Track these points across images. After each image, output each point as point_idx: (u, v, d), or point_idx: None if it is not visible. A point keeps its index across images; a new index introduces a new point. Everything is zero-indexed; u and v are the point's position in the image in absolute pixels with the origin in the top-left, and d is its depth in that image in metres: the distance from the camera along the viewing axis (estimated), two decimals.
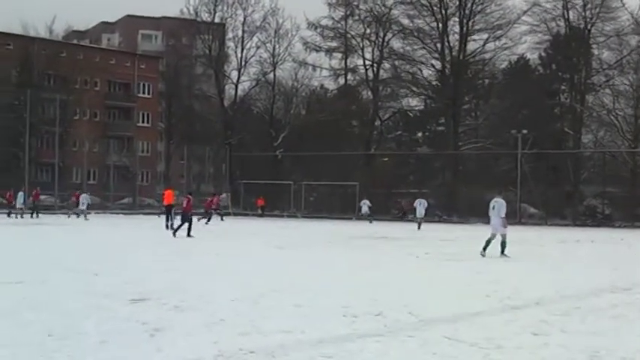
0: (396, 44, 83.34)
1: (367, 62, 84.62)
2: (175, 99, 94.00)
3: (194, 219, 35.53)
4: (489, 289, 14.47)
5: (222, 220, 51.94)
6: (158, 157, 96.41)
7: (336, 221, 57.43)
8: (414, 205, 52.18)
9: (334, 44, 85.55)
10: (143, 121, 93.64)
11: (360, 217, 54.16)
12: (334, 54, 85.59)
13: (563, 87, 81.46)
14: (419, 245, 30.73)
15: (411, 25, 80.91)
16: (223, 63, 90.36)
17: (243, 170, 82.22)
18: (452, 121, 79.02)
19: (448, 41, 79.66)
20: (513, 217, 61.66)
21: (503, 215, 24.73)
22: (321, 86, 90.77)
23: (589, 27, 76.94)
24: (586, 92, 77.89)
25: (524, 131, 65.63)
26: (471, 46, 80.00)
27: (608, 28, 75.97)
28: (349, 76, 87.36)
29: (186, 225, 33.75)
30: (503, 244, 24.28)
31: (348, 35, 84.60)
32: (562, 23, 78.69)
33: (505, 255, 24.08)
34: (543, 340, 9.29)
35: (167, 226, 38.93)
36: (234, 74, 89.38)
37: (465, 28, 78.90)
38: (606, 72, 77.38)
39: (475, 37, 79.81)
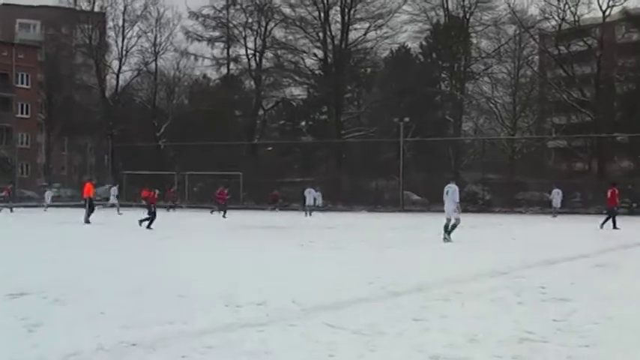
0: (279, 33, 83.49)
1: (250, 52, 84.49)
2: (55, 89, 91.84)
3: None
4: (372, 276, 14.54)
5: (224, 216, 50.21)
6: (38, 149, 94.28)
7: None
8: (304, 194, 52.46)
9: (216, 34, 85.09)
10: (22, 112, 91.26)
11: (307, 209, 53.06)
12: (216, 43, 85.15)
13: (443, 75, 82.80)
14: (304, 234, 30.82)
15: (292, 14, 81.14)
16: (104, 53, 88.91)
17: (126, 161, 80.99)
18: (334, 110, 79.52)
19: (330, 30, 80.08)
20: (396, 205, 62.52)
21: (457, 200, 25.64)
22: (204, 76, 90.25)
23: (468, 16, 78.34)
24: (466, 80, 79.32)
25: (406, 119, 66.36)
26: (353, 35, 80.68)
27: (486, 18, 77.61)
28: (232, 66, 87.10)
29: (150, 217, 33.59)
30: (450, 227, 25.20)
31: (230, 25, 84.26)
32: (441, 12, 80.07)
33: (448, 239, 24.98)
34: (424, 325, 9.38)
35: (86, 220, 38.00)
36: (115, 64, 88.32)
37: (346, 17, 79.42)
38: (485, 60, 78.97)
39: (357, 26, 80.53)
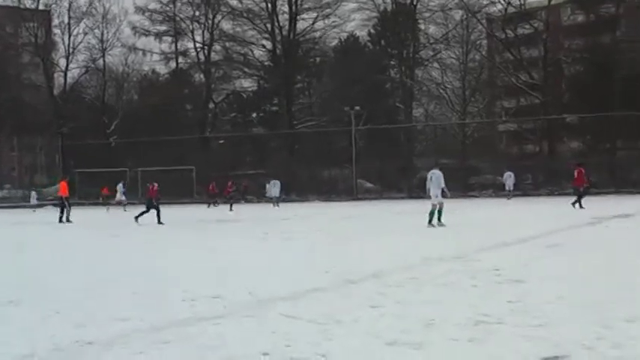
0: (226, 26, 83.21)
1: (198, 45, 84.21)
2: (3, 89, 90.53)
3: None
4: (327, 265, 14.59)
5: (230, 210, 49.69)
6: None
7: (174, 206, 56.77)
8: (267, 186, 52.68)
9: (163, 28, 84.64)
10: None
11: (270, 200, 53.22)
12: (164, 38, 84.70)
13: (392, 62, 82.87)
14: (259, 225, 30.85)
15: (240, 5, 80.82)
16: (50, 51, 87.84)
17: (77, 159, 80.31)
18: (285, 100, 79.47)
19: (278, 21, 79.98)
20: (350, 193, 62.64)
21: (444, 185, 26.12)
22: (153, 71, 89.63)
23: (415, 2, 78.46)
24: (415, 67, 79.57)
25: (357, 108, 66.52)
26: (301, 25, 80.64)
27: (433, 3, 77.75)
28: (180, 60, 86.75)
29: (152, 212, 34.14)
30: (431, 214, 25.61)
31: (177, 18, 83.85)
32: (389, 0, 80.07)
33: (432, 225, 25.38)
34: (380, 311, 9.42)
35: (60, 219, 37.58)
36: (63, 62, 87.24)
37: (293, 8, 79.32)
38: (433, 46, 79.26)
39: (304, 16, 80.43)
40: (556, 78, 75.56)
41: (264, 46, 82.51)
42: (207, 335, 8.34)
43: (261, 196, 63.29)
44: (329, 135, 77.11)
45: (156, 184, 36.17)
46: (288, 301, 10.48)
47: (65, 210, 38.28)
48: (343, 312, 9.40)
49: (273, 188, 53.24)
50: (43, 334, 8.71)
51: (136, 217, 34.08)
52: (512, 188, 53.69)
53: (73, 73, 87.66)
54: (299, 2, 79.35)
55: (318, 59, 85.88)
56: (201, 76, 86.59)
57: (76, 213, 43.21)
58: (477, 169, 69.45)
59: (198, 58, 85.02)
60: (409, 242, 20.77)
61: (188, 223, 34.50)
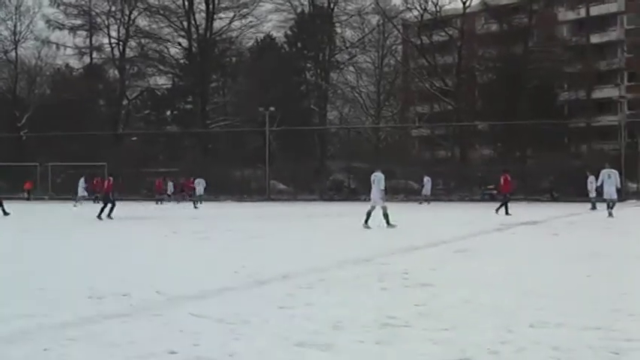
0: (142, 22, 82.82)
1: (113, 41, 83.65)
2: None
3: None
4: (237, 266, 14.55)
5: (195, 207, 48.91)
6: None
7: (86, 201, 55.94)
8: (194, 184, 52.76)
9: (78, 22, 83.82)
10: None
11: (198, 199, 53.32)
12: (79, 32, 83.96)
13: (308, 65, 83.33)
14: (167, 224, 30.67)
15: (156, 2, 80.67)
16: None
17: None
18: (200, 99, 79.27)
19: (194, 19, 79.77)
20: (263, 194, 62.57)
21: (383, 188, 26.24)
22: (66, 65, 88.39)
23: (332, 6, 78.99)
24: (330, 70, 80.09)
25: (272, 109, 66.55)
26: (218, 24, 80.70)
27: (350, 8, 78.56)
28: (95, 55, 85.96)
29: (109, 206, 34.20)
30: (385, 216, 25.65)
31: (93, 13, 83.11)
32: (306, 2, 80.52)
33: (392, 225, 25.38)
34: (289, 313, 9.44)
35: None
36: None
37: (211, 6, 79.27)
38: (349, 50, 79.94)
39: (221, 15, 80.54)
40: (469, 85, 76.76)
41: (180, 44, 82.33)
42: (114, 333, 8.25)
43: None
44: (243, 135, 77.07)
45: (111, 178, 36.40)
46: (196, 300, 10.43)
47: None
48: (252, 312, 9.38)
49: (198, 187, 53.31)
50: None
51: (98, 216, 33.88)
52: (429, 193, 54.26)
53: None
54: (216, 1, 79.20)
55: (234, 59, 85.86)
56: (116, 72, 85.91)
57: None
58: (390, 173, 69.88)
59: (113, 54, 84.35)
60: (320, 244, 20.87)
61: (97, 220, 34.03)
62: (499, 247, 20.04)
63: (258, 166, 68.01)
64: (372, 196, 26.65)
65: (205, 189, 54.54)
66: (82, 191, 54.17)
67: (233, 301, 10.44)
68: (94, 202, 53.44)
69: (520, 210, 38.54)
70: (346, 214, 38.63)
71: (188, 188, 54.57)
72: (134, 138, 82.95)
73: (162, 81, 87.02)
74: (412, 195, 60.09)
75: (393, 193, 63.35)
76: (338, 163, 73.64)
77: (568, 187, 55.81)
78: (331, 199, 62.23)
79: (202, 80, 78.91)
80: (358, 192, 65.54)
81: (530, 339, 7.78)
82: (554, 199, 55.53)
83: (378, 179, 26.51)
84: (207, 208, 48.73)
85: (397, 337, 8.00)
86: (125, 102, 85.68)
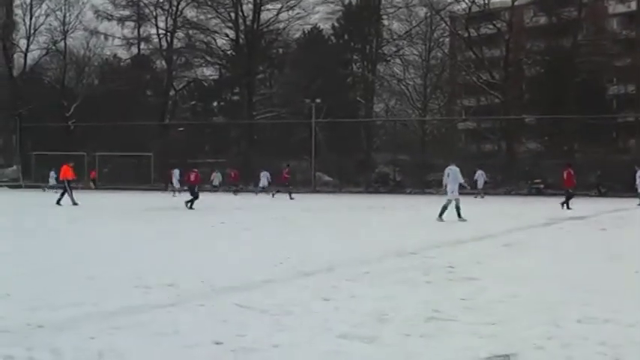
0: (190, 13, 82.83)
1: (161, 31, 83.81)
2: None
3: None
4: (283, 257, 14.57)
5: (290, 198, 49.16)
6: None
7: (132, 192, 56.46)
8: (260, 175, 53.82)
9: (127, 13, 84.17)
10: None
11: (261, 191, 54.46)
12: (127, 23, 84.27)
13: (355, 57, 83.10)
14: (215, 214, 30.77)
15: None
16: (11, 31, 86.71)
17: (34, 141, 79.54)
18: (246, 90, 79.31)
19: (242, 10, 79.73)
20: (308, 186, 62.64)
21: (462, 181, 26.59)
22: (114, 55, 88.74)
23: None
24: (377, 62, 79.81)
25: (318, 100, 66.58)
26: (265, 16, 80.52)
27: (398, 0, 77.85)
28: (142, 46, 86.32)
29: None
30: (458, 209, 25.78)
31: (141, 4, 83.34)
32: None
33: (463, 219, 25.53)
34: (333, 304, 9.43)
35: (58, 202, 36.59)
36: (23, 43, 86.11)
37: None
38: (396, 42, 79.46)
39: (269, 6, 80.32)
40: (516, 78, 76.15)
41: (227, 35, 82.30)
42: (160, 323, 8.30)
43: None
44: (289, 126, 77.19)
45: (196, 170, 37.54)
46: (241, 291, 10.46)
47: (67, 192, 37.50)
48: (296, 304, 9.39)
49: (263, 179, 54.22)
50: None
51: (187, 203, 34.66)
52: (482, 187, 53.93)
53: (34, 54, 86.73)
54: None
55: (280, 50, 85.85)
56: (163, 62, 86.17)
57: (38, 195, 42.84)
58: (435, 166, 69.63)
59: (161, 45, 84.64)
60: (364, 236, 20.86)
61: (145, 211, 34.27)
62: (546, 241, 19.88)
63: (304, 157, 68.06)
64: (448, 189, 26.54)
65: (269, 181, 55.02)
66: (176, 183, 54.77)
67: (277, 293, 10.45)
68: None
69: None
70: (391, 206, 38.58)
71: (284, 179, 53.99)
72: (181, 129, 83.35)
73: (209, 72, 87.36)
74: (459, 189, 59.91)
75: (438, 186, 63.28)
76: (383, 155, 73.50)
77: (615, 182, 55.19)
78: (376, 192, 62.16)
79: (249, 71, 78.98)
80: (403, 184, 65.46)
81: (576, 334, 7.72)
82: (601, 194, 54.91)
83: (453, 173, 26.52)
84: (252, 198, 48.86)
85: (442, 330, 7.97)
86: (172, 93, 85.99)
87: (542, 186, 59.63)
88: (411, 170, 69.16)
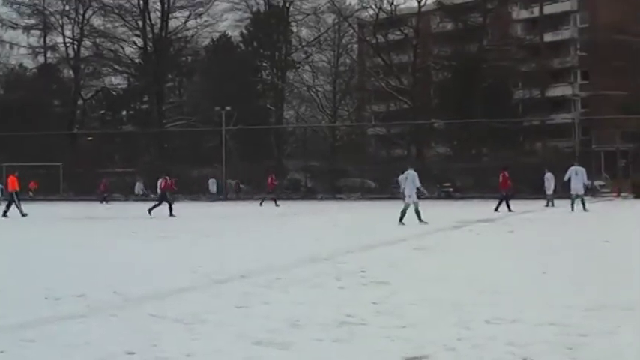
0: (97, 21, 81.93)
1: (67, 40, 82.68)
2: None
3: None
4: (195, 265, 14.55)
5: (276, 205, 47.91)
6: None
7: (41, 202, 55.48)
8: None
9: (32, 21, 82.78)
10: None
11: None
12: (32, 31, 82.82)
13: (264, 64, 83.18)
14: (127, 224, 30.52)
15: (111, 1, 79.60)
16: None
17: None
18: (155, 98, 78.77)
19: (149, 18, 79.15)
20: (220, 193, 62.45)
21: (419, 185, 26.69)
22: (20, 65, 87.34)
23: (288, 5, 78.94)
24: (286, 69, 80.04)
25: (228, 108, 66.41)
26: (173, 24, 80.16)
27: (306, 7, 78.43)
28: (49, 55, 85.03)
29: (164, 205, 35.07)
30: (417, 212, 26.02)
31: (47, 12, 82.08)
32: (262, 1, 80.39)
33: (423, 222, 25.83)
34: (246, 312, 9.45)
35: (4, 213, 35.97)
36: None
37: (166, 5, 78.72)
38: (305, 49, 79.84)
39: (177, 14, 79.97)
40: (425, 84, 77.11)
41: (135, 44, 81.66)
42: (72, 334, 8.23)
43: (129, 195, 62.60)
44: (199, 134, 76.84)
45: (168, 179, 37.49)
46: (154, 300, 10.42)
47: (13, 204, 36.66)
48: (210, 312, 9.39)
49: (212, 186, 54.17)
50: None
51: (150, 211, 34.60)
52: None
53: None
54: (171, 0, 78.74)
55: (189, 58, 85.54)
56: (70, 71, 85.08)
57: None
58: (346, 171, 70.02)
59: (68, 54, 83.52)
60: (277, 243, 20.90)
61: (55, 220, 33.81)
62: (456, 244, 20.18)
63: (215, 165, 67.79)
64: (406, 193, 26.67)
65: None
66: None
67: (191, 301, 10.43)
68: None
69: (475, 207, 38.83)
70: (302, 212, 38.69)
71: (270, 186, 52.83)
72: (90, 138, 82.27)
73: (117, 80, 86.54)
74: (368, 194, 60.42)
75: (349, 191, 63.67)
76: (295, 162, 73.62)
77: (523, 185, 56.03)
78: (288, 198, 62.21)
79: (158, 80, 78.45)
80: (315, 191, 65.64)
81: (486, 335, 7.86)
82: (508, 197, 55.57)
83: (411, 177, 26.73)
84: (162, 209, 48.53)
85: (355, 334, 8.04)
86: (80, 102, 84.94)
87: (451, 189, 60.36)
88: (322, 176, 69.40)
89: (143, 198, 58.69)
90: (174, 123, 79.44)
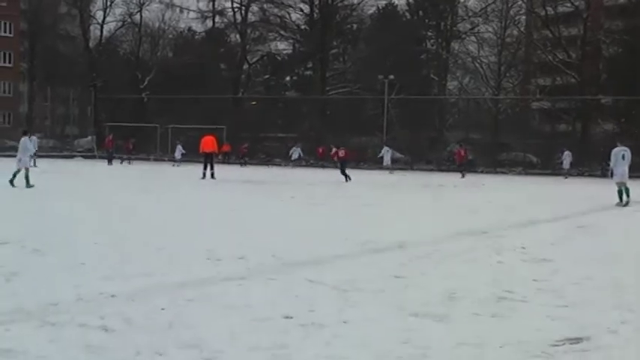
0: None
1: (235, 5, 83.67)
2: (38, 39, 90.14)
3: None
4: (353, 233, 14.57)
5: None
6: (20, 98, 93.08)
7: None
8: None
9: None
10: (4, 61, 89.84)
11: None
12: None
13: (429, 34, 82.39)
14: (286, 189, 30.82)
15: None
16: (88, 3, 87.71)
17: (108, 113, 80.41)
18: (320, 65, 79.15)
19: None
20: (380, 162, 62.47)
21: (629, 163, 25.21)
22: (189, 29, 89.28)
23: None
24: (451, 39, 79.04)
25: (391, 77, 66.22)
26: None
27: None
28: (217, 19, 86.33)
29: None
30: (627, 191, 24.96)
31: None
32: None
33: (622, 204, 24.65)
34: (403, 282, 9.40)
35: (204, 175, 37.37)
36: (100, 14, 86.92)
37: None
38: (471, 19, 78.56)
39: None
40: (593, 58, 74.83)
41: (301, 10, 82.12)
42: (231, 296, 8.34)
43: (287, 160, 63.23)
44: (361, 102, 77.00)
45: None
46: (311, 266, 10.48)
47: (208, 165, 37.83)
48: (366, 280, 9.37)
49: (386, 154, 54.84)
50: (68, 284, 8.73)
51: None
52: (568, 167, 53.62)
53: (110, 26, 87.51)
54: None
55: (355, 26, 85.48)
56: (237, 36, 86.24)
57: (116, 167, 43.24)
58: (508, 145, 68.93)
59: (235, 18, 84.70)
60: (435, 214, 20.74)
61: (215, 184, 34.46)
62: (620, 223, 19.58)
63: (376, 134, 67.82)
64: (619, 173, 25.16)
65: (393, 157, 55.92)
66: (178, 154, 56.03)
67: (348, 269, 10.45)
68: (241, 165, 57.64)
69: None
70: (461, 185, 38.31)
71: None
72: (253, 102, 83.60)
73: (282, 46, 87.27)
74: (530, 168, 59.36)
75: (510, 165, 62.69)
76: (456, 133, 72.91)
77: None
78: (448, 170, 61.69)
79: (323, 47, 78.78)
80: (476, 163, 64.87)
81: None
82: None
83: (628, 155, 25.38)
84: (321, 174, 48.87)
85: (514, 311, 7.89)
86: (246, 66, 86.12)
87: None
88: (483, 149, 68.50)
89: (299, 164, 59.38)
90: (336, 90, 79.75)
